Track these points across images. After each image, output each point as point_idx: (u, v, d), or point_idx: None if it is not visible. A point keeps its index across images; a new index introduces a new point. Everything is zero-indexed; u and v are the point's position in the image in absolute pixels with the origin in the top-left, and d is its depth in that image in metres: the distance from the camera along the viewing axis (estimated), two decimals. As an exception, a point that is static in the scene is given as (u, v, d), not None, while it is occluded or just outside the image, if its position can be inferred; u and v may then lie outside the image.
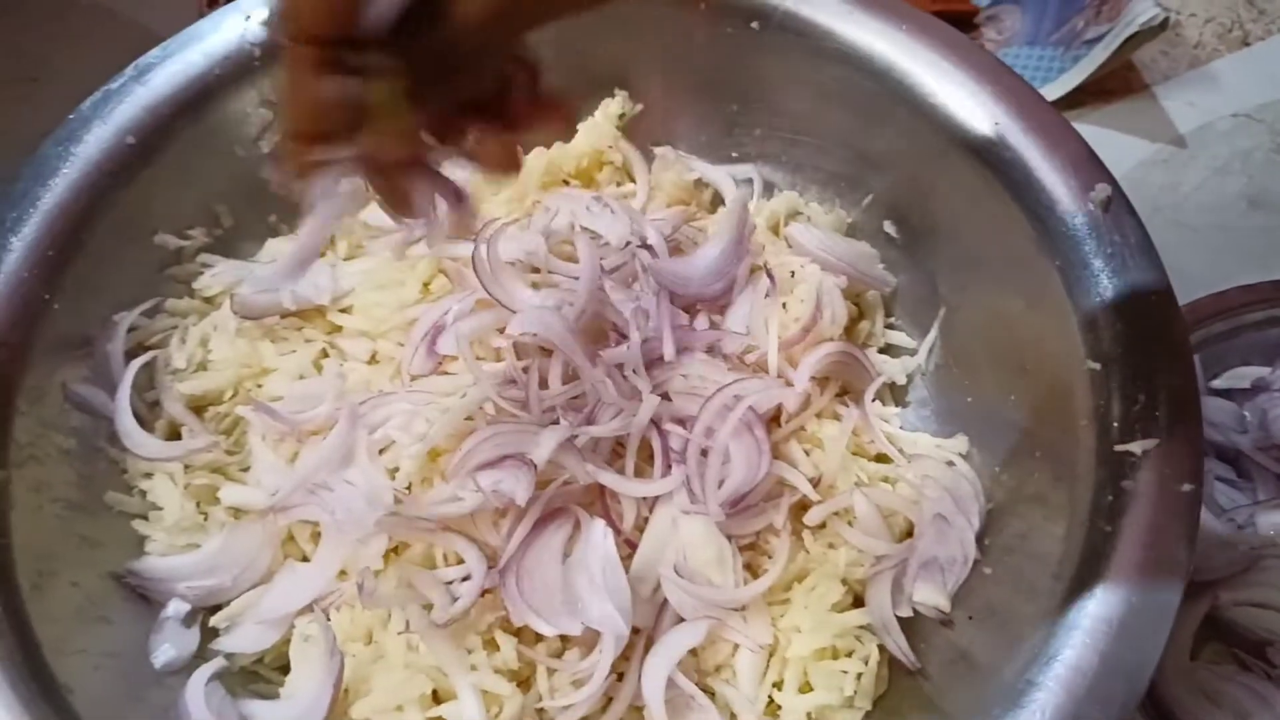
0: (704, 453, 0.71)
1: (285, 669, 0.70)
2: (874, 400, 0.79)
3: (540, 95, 0.53)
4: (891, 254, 0.87)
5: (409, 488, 0.72)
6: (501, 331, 0.75)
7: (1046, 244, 0.71)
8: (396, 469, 0.72)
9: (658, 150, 0.92)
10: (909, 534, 0.74)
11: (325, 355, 0.80)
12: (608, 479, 0.70)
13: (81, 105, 0.77)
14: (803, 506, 0.73)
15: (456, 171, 0.54)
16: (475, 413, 0.73)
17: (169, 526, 0.72)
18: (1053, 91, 1.10)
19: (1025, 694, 0.56)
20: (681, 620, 0.68)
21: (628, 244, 0.81)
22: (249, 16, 0.82)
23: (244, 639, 0.70)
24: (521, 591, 0.66)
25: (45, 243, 0.72)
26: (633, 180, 0.93)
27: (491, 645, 0.66)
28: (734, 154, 0.93)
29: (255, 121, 0.84)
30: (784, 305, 0.79)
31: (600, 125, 0.91)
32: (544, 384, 0.74)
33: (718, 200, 0.94)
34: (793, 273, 0.82)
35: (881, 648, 0.70)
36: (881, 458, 0.78)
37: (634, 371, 0.73)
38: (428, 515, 0.68)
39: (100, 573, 0.69)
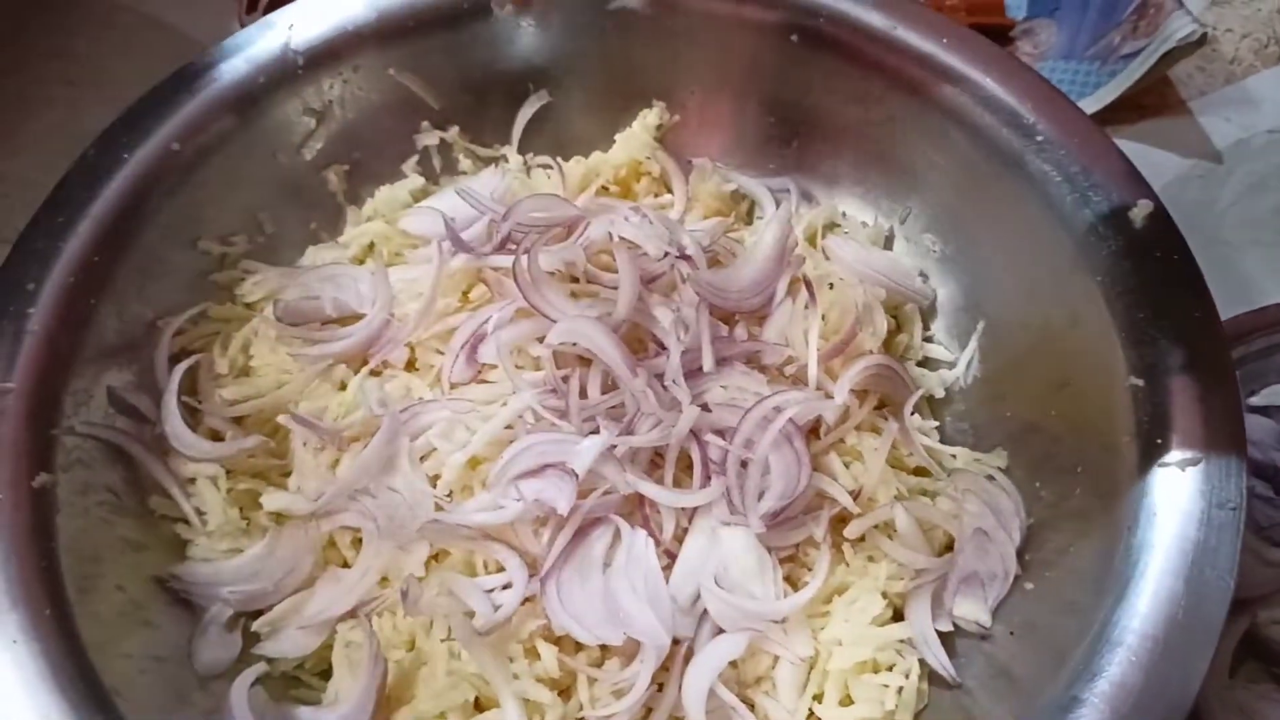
0: (743, 464, 0.71)
1: (325, 675, 0.71)
2: (912, 414, 0.79)
3: None
4: (930, 266, 0.87)
5: (449, 495, 0.72)
6: (541, 341, 0.75)
7: (1087, 259, 0.71)
8: (437, 476, 0.73)
9: (695, 161, 0.93)
10: (949, 548, 0.74)
11: (364, 363, 0.81)
12: (648, 489, 0.70)
13: (127, 111, 0.78)
14: (841, 519, 0.73)
15: None
16: (515, 421, 0.73)
17: (212, 531, 0.73)
18: (1088, 106, 1.09)
19: (1070, 710, 0.56)
20: (721, 631, 0.68)
21: (666, 254, 0.81)
22: (292, 25, 0.83)
23: (285, 644, 0.70)
24: (562, 600, 0.66)
25: (91, 248, 0.73)
26: (670, 191, 0.93)
27: (533, 654, 0.67)
28: (771, 165, 0.93)
29: (298, 129, 0.84)
30: (823, 317, 0.79)
31: (638, 136, 0.92)
32: (583, 393, 0.74)
33: (755, 211, 0.94)
34: (831, 285, 0.82)
35: (921, 662, 0.70)
36: (920, 471, 0.78)
37: (674, 382, 0.73)
38: (469, 523, 0.68)
39: (144, 576, 0.70)
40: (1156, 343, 0.67)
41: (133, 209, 0.75)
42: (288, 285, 0.82)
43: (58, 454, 0.67)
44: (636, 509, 0.71)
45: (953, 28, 0.81)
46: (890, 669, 0.69)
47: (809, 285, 0.78)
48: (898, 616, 0.72)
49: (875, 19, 0.82)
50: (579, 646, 0.67)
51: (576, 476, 0.68)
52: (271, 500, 0.74)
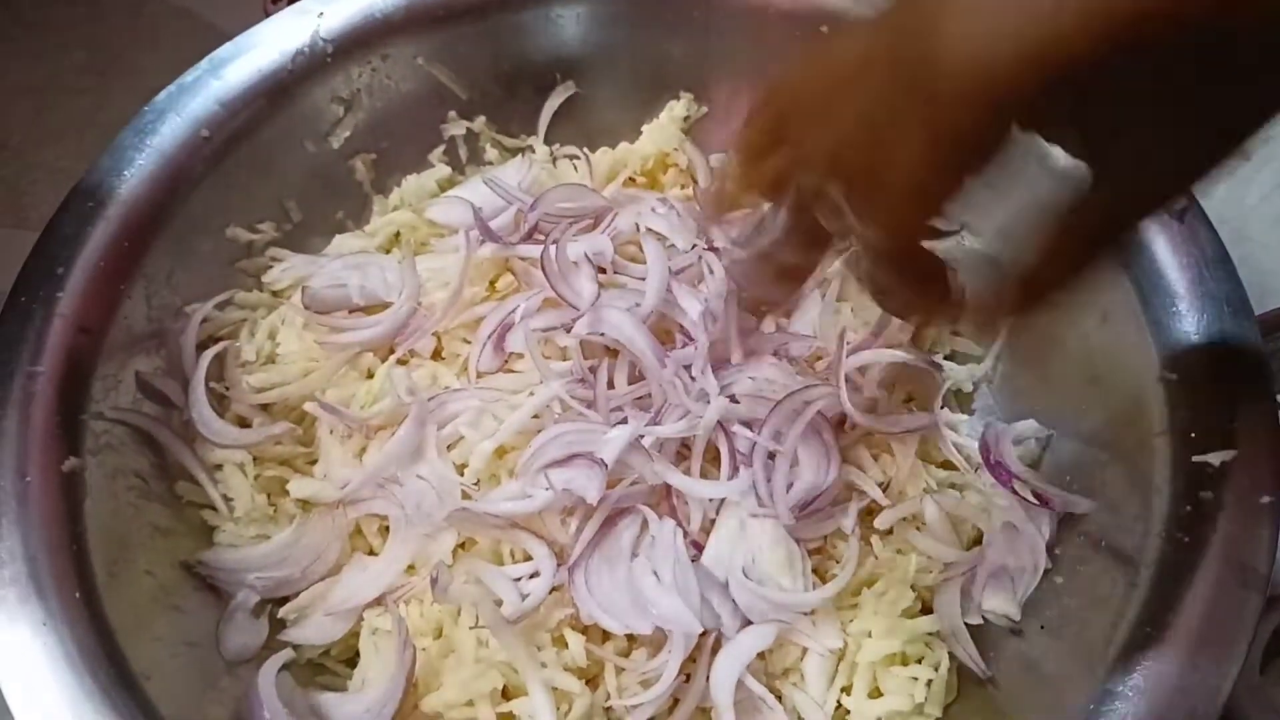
0: (770, 456, 0.71)
1: (351, 662, 0.71)
2: (942, 407, 0.79)
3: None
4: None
5: (477, 483, 0.72)
6: (568, 330, 0.75)
7: (1119, 253, 0.71)
8: (465, 465, 0.73)
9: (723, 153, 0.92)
10: (977, 542, 0.73)
11: (391, 352, 0.80)
12: (676, 480, 0.70)
13: (157, 98, 0.78)
14: (870, 511, 0.73)
15: None
16: (542, 411, 0.73)
17: (239, 518, 0.73)
18: (1115, 102, 1.09)
19: (1105, 703, 0.56)
20: (749, 623, 0.68)
21: (694, 246, 0.81)
22: (321, 14, 0.83)
23: (312, 631, 0.70)
24: (590, 589, 0.66)
25: (121, 234, 0.73)
26: (697, 182, 0.93)
27: (560, 643, 0.67)
28: (798, 157, 0.93)
29: (327, 117, 0.85)
30: (851, 310, 0.78)
31: (665, 127, 0.91)
32: (610, 383, 0.74)
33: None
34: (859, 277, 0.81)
35: (951, 655, 0.69)
36: (948, 464, 0.77)
37: (701, 373, 0.73)
38: (497, 511, 0.68)
39: (172, 561, 0.70)
40: (1189, 337, 0.66)
41: (162, 196, 0.75)
42: (315, 273, 0.82)
43: (86, 438, 0.67)
44: (664, 500, 0.71)
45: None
46: (919, 661, 0.69)
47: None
48: (926, 609, 0.71)
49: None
50: (606, 636, 0.67)
51: (606, 466, 0.67)
52: (299, 487, 0.74)
